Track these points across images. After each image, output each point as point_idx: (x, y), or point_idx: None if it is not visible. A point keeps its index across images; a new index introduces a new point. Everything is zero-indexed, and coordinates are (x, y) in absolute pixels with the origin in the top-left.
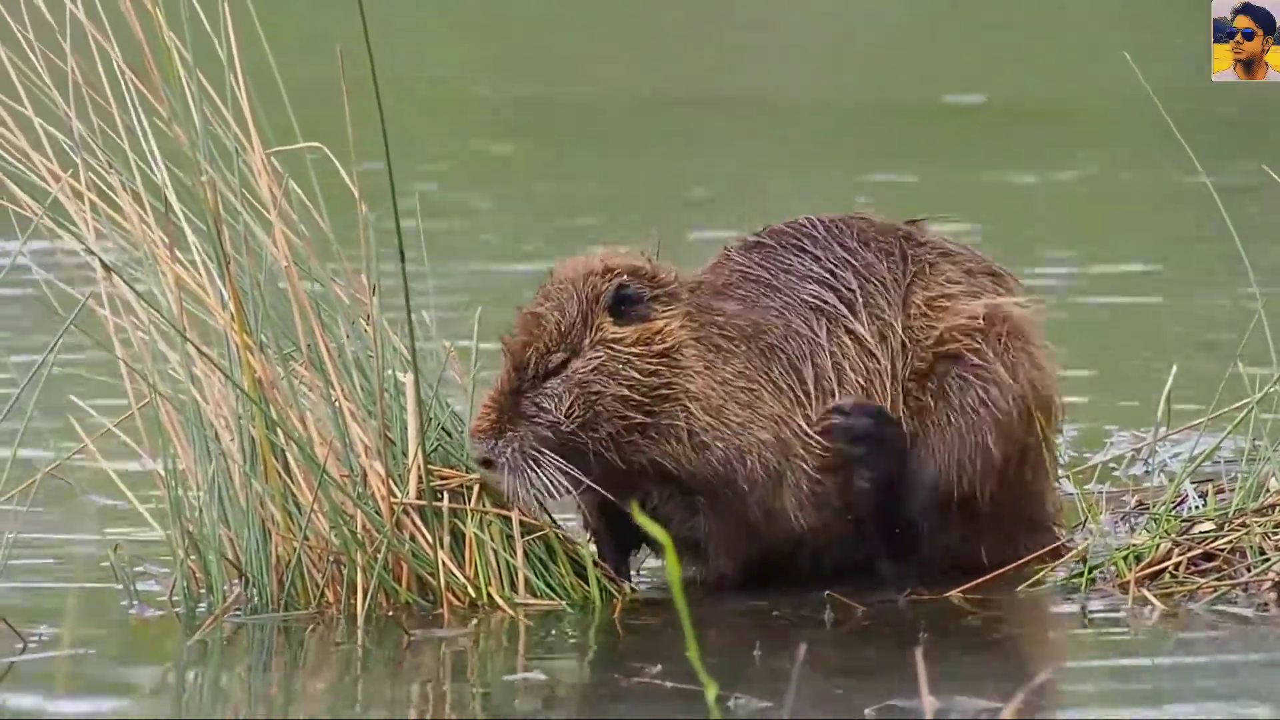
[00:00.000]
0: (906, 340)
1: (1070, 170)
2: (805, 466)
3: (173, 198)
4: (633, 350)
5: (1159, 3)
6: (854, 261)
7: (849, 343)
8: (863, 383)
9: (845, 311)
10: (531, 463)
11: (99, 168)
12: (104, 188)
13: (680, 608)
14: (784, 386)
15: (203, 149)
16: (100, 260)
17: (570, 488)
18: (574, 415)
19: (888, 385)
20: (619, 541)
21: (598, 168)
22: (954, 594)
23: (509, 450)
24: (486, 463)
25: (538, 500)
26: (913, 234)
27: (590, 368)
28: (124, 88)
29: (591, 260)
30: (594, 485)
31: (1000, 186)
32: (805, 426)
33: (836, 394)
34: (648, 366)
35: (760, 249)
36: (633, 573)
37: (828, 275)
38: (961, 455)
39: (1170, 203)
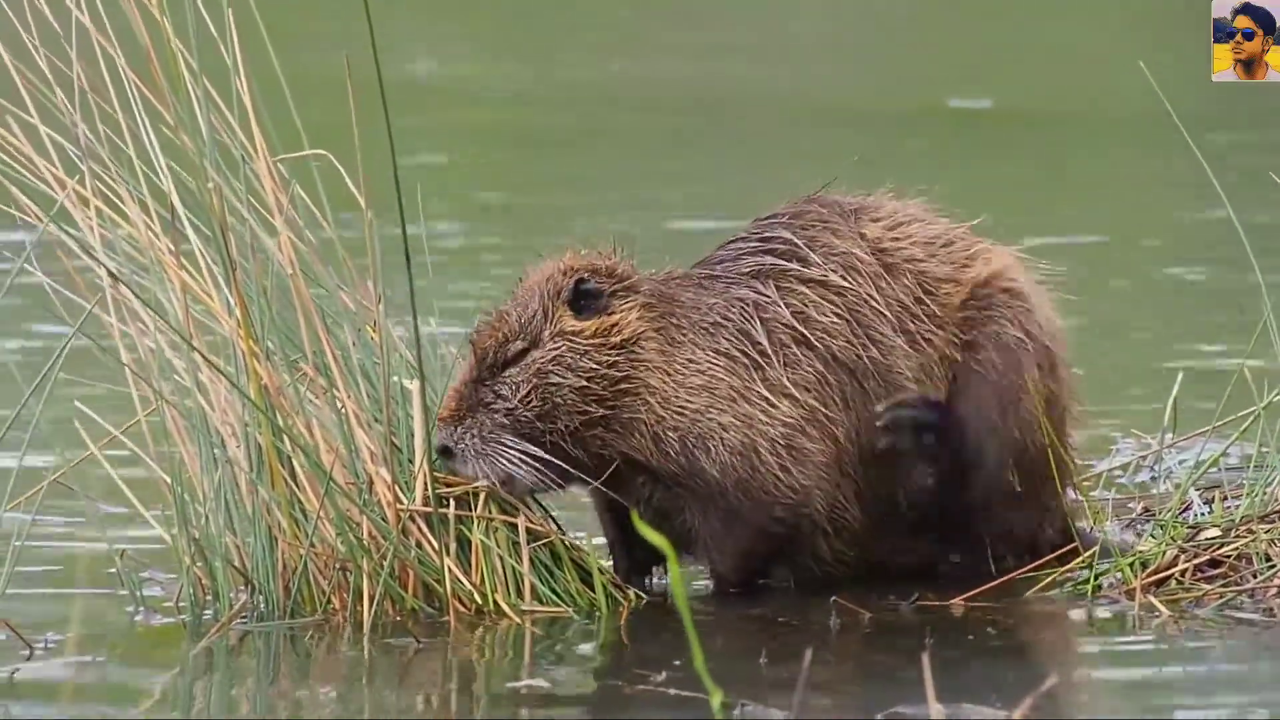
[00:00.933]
0: (884, 261)
1: (1075, 174)
2: (776, 432)
3: (178, 204)
4: (591, 342)
5: (1164, 7)
6: (789, 220)
7: (807, 290)
8: (843, 315)
9: (796, 266)
10: (490, 448)
11: (105, 174)
12: (110, 194)
13: (684, 614)
14: (736, 354)
15: (209, 156)
16: (106, 268)
17: (537, 475)
18: (531, 404)
19: (881, 309)
20: (637, 557)
21: (600, 171)
22: (959, 601)
23: (467, 436)
24: (445, 451)
25: (505, 486)
26: (840, 200)
27: (549, 358)
28: (129, 94)
29: (556, 261)
30: (566, 477)
31: (1005, 190)
32: (765, 391)
33: (809, 340)
34: (606, 358)
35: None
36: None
37: (760, 243)
38: (1004, 400)
39: (1177, 208)
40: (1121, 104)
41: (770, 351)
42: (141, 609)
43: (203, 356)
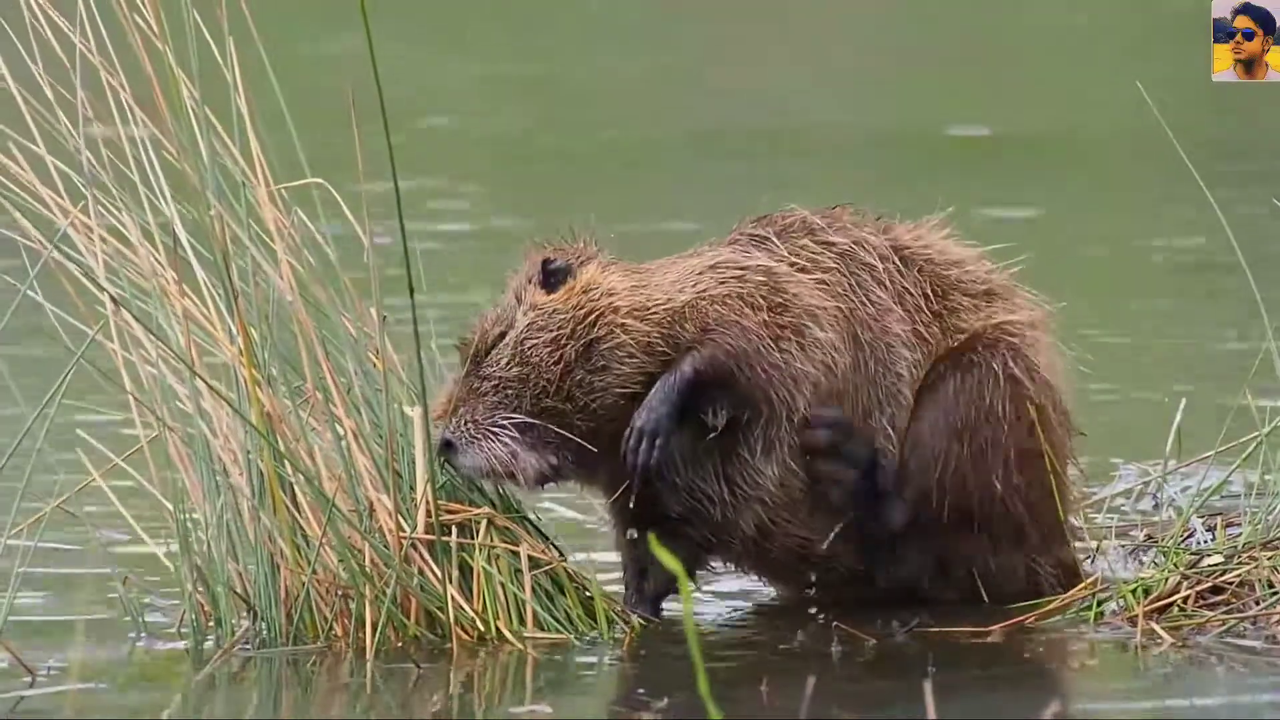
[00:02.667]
0: (905, 258)
1: (1074, 201)
2: (774, 300)
3: (180, 232)
4: (558, 302)
5: (1165, 36)
6: (808, 208)
7: (810, 243)
8: (844, 273)
9: (798, 229)
10: (485, 433)
11: (108, 201)
12: (114, 220)
13: (691, 639)
14: (721, 259)
15: (211, 184)
16: (110, 295)
17: (538, 452)
18: (512, 369)
19: (884, 277)
20: (647, 590)
21: (598, 199)
22: (962, 628)
23: (461, 424)
24: (447, 444)
25: (506, 474)
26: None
27: (522, 329)
28: (132, 121)
29: (528, 260)
30: (569, 451)
31: (1004, 218)
32: (778, 272)
33: (807, 267)
34: (573, 304)
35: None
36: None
37: (769, 216)
38: (959, 433)
39: (1178, 234)
40: (1119, 130)
41: (759, 261)
42: (143, 635)
43: (205, 383)
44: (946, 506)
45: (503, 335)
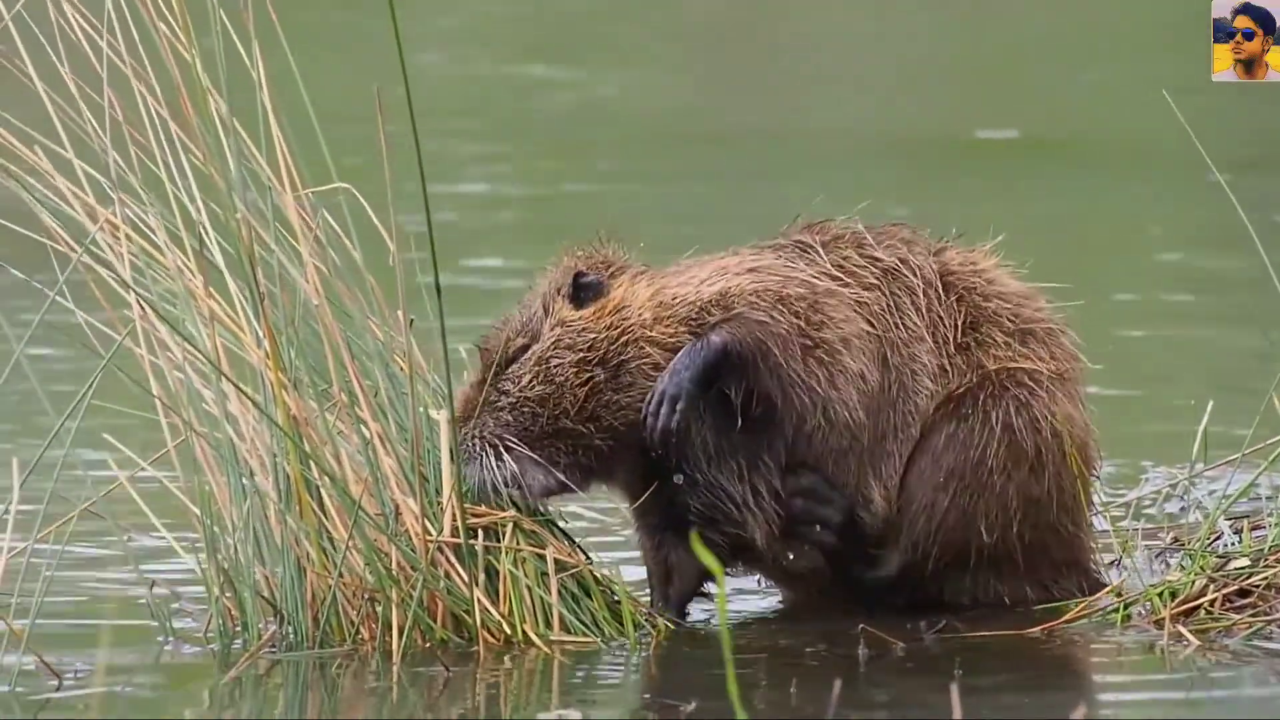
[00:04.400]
0: (948, 282)
1: (1102, 203)
2: (806, 295)
3: (208, 234)
4: (588, 320)
5: (1197, 37)
6: (862, 223)
7: (856, 257)
8: (883, 293)
9: (845, 238)
10: (491, 449)
11: (135, 205)
12: (142, 225)
13: (724, 639)
14: (761, 264)
15: (238, 187)
16: (137, 297)
17: (544, 472)
18: (534, 389)
19: (920, 302)
20: (671, 594)
21: (626, 196)
22: (989, 632)
23: (469, 437)
24: (450, 453)
25: (509, 490)
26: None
27: (548, 345)
28: (159, 125)
29: (559, 267)
30: (578, 472)
31: (1033, 220)
32: (810, 281)
33: (849, 282)
34: (604, 324)
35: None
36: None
37: (819, 223)
38: (954, 481)
39: (1205, 236)
40: (1148, 133)
41: (799, 273)
42: (170, 639)
43: (233, 385)
44: (934, 556)
45: (526, 348)
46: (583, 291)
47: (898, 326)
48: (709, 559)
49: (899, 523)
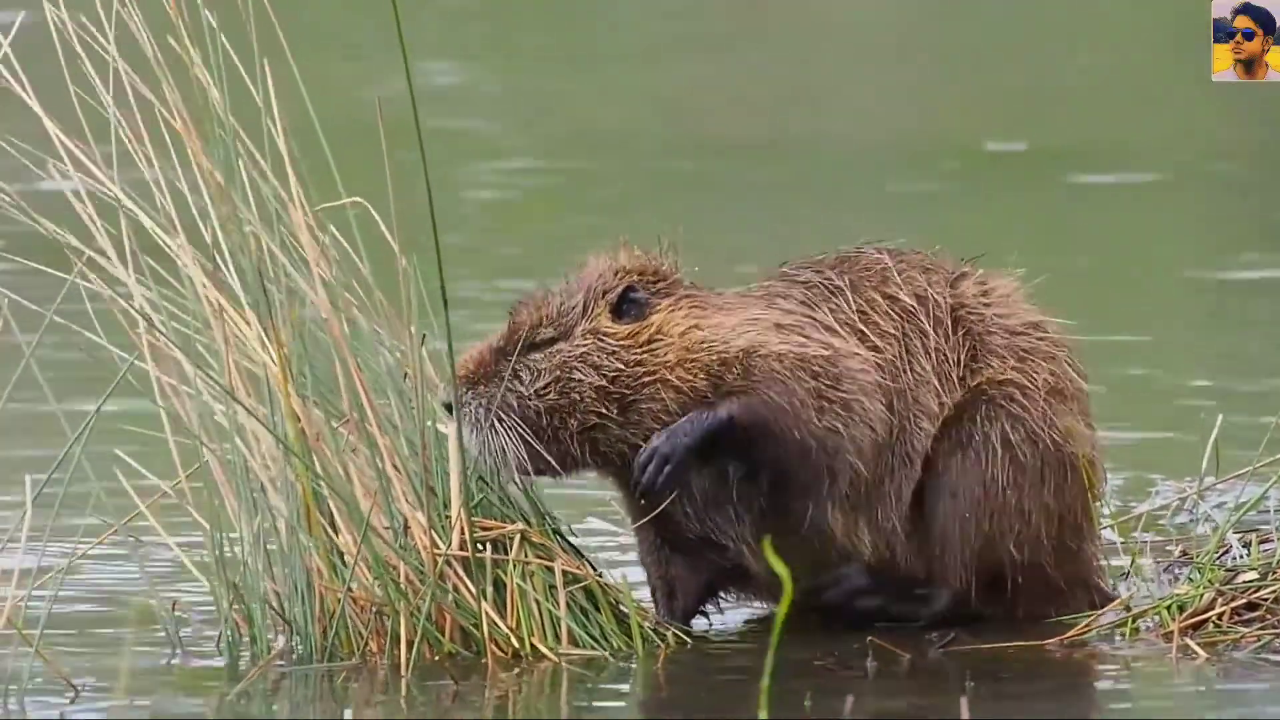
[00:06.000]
0: (957, 315)
1: (1111, 216)
2: (822, 354)
3: (222, 249)
4: (622, 343)
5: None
6: (887, 247)
7: (878, 298)
8: (896, 333)
9: (873, 274)
10: (492, 423)
11: (143, 220)
12: (156, 241)
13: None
14: (788, 305)
15: (246, 201)
16: (148, 316)
17: (529, 464)
18: (546, 396)
19: (929, 344)
20: (676, 606)
21: (638, 209)
22: (998, 644)
23: (474, 404)
24: (449, 408)
25: (498, 465)
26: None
27: (575, 353)
28: (168, 142)
29: (613, 260)
30: (562, 466)
31: (1041, 233)
32: (828, 340)
33: (865, 334)
34: (633, 357)
35: (778, 276)
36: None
37: (849, 253)
38: (970, 516)
39: (1218, 248)
40: (1157, 144)
41: (828, 328)
42: (180, 651)
43: (243, 407)
44: (975, 584)
45: (554, 341)
46: (627, 306)
47: (907, 371)
48: (781, 568)
49: (934, 560)
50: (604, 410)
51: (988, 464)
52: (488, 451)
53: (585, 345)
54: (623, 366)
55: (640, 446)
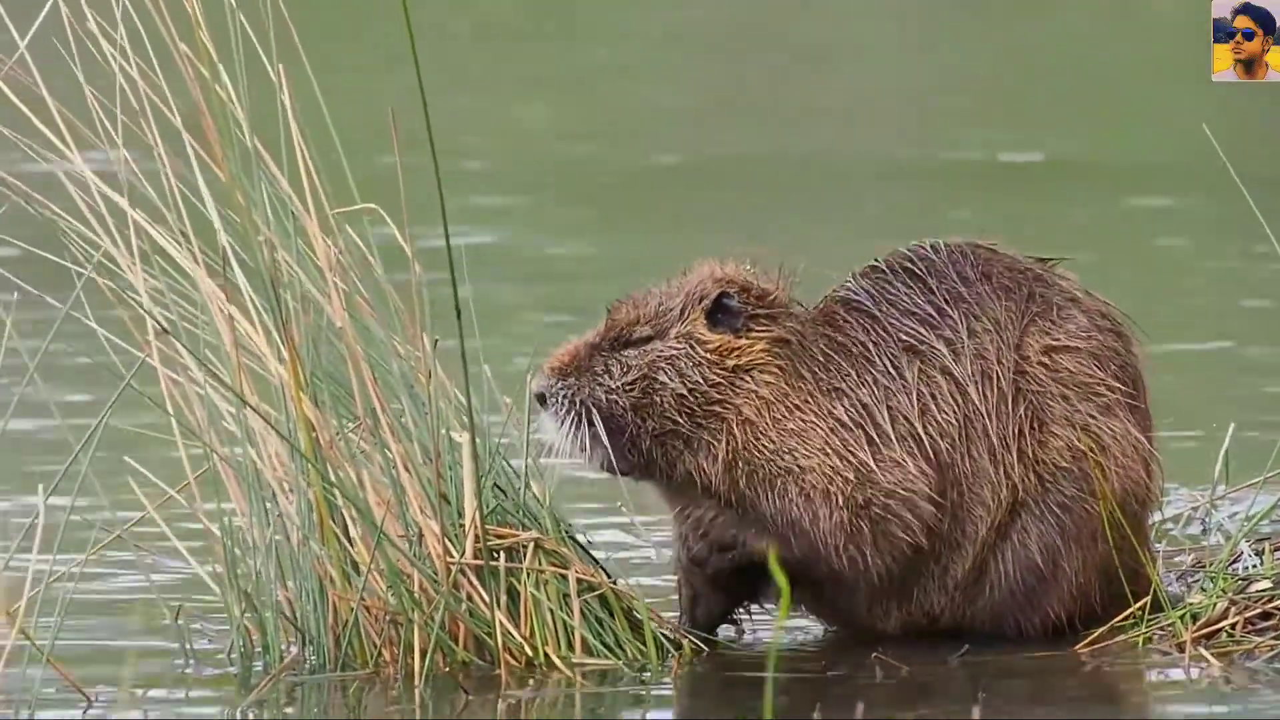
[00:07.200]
0: (1019, 385)
1: (1125, 227)
2: (860, 493)
3: (231, 256)
4: (709, 355)
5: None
6: (967, 297)
7: (941, 381)
8: (956, 422)
9: (944, 350)
10: (578, 415)
11: (156, 226)
12: (163, 244)
13: (772, 659)
14: (848, 423)
15: (260, 209)
16: (158, 322)
17: (611, 459)
18: (631, 392)
19: (989, 427)
20: (699, 615)
21: (650, 225)
22: (1011, 655)
23: (563, 393)
24: (541, 399)
25: (580, 454)
26: (1043, 275)
27: (665, 354)
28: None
29: (719, 267)
30: (636, 468)
31: (1056, 244)
32: (869, 461)
33: (920, 434)
34: (714, 377)
35: (873, 273)
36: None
37: (933, 313)
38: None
39: (1230, 259)
40: (1171, 156)
41: (890, 435)
42: (192, 661)
43: (257, 414)
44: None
45: (649, 340)
46: (721, 312)
47: (964, 461)
48: (782, 579)
49: (976, 616)
50: (677, 419)
51: (1041, 536)
52: (573, 442)
53: (677, 349)
54: (702, 382)
55: (693, 468)
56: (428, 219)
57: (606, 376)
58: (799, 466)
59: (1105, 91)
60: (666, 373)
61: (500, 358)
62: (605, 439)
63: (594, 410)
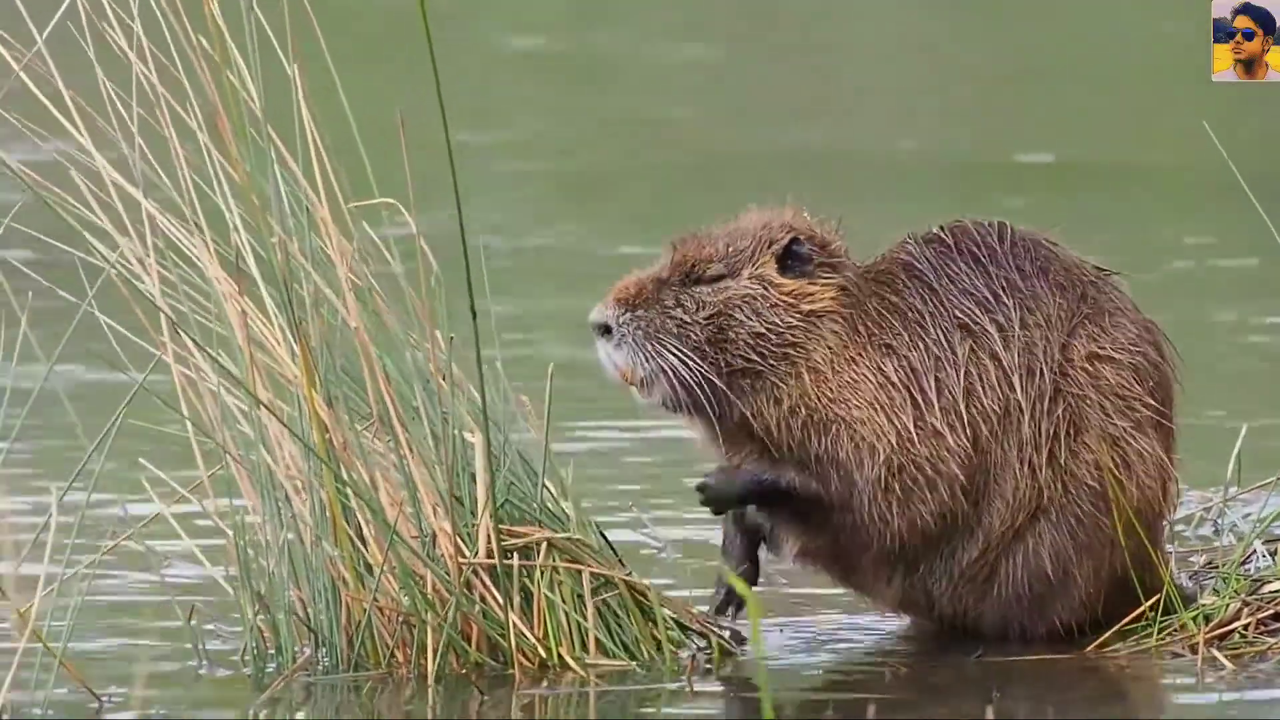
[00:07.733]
0: (1059, 386)
1: (1138, 229)
2: (898, 456)
3: (245, 253)
4: (784, 299)
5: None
6: (1023, 289)
7: (990, 365)
8: (998, 409)
9: (995, 336)
10: (652, 345)
11: (170, 221)
12: (177, 240)
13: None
14: (897, 384)
15: (274, 209)
16: (171, 320)
17: (681, 389)
18: (709, 328)
19: (1024, 421)
20: (736, 552)
21: (651, 225)
22: (1024, 655)
23: (633, 324)
24: (605, 329)
25: (643, 388)
26: (1096, 280)
27: (741, 294)
28: (201, 144)
29: (779, 213)
30: (702, 403)
31: (1074, 243)
32: (910, 426)
33: (961, 411)
34: (790, 320)
35: (937, 244)
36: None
37: (989, 297)
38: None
39: (1242, 260)
40: (1184, 157)
41: (933, 403)
42: (205, 662)
43: (269, 412)
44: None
45: (721, 279)
46: (792, 258)
47: (995, 451)
48: (744, 589)
49: (976, 613)
50: (751, 360)
51: (1054, 544)
52: (644, 371)
53: (752, 289)
54: (778, 323)
55: (753, 410)
56: (439, 209)
57: (680, 310)
58: (852, 416)
59: (1116, 92)
60: (743, 310)
61: (515, 359)
62: (680, 372)
63: (668, 340)
